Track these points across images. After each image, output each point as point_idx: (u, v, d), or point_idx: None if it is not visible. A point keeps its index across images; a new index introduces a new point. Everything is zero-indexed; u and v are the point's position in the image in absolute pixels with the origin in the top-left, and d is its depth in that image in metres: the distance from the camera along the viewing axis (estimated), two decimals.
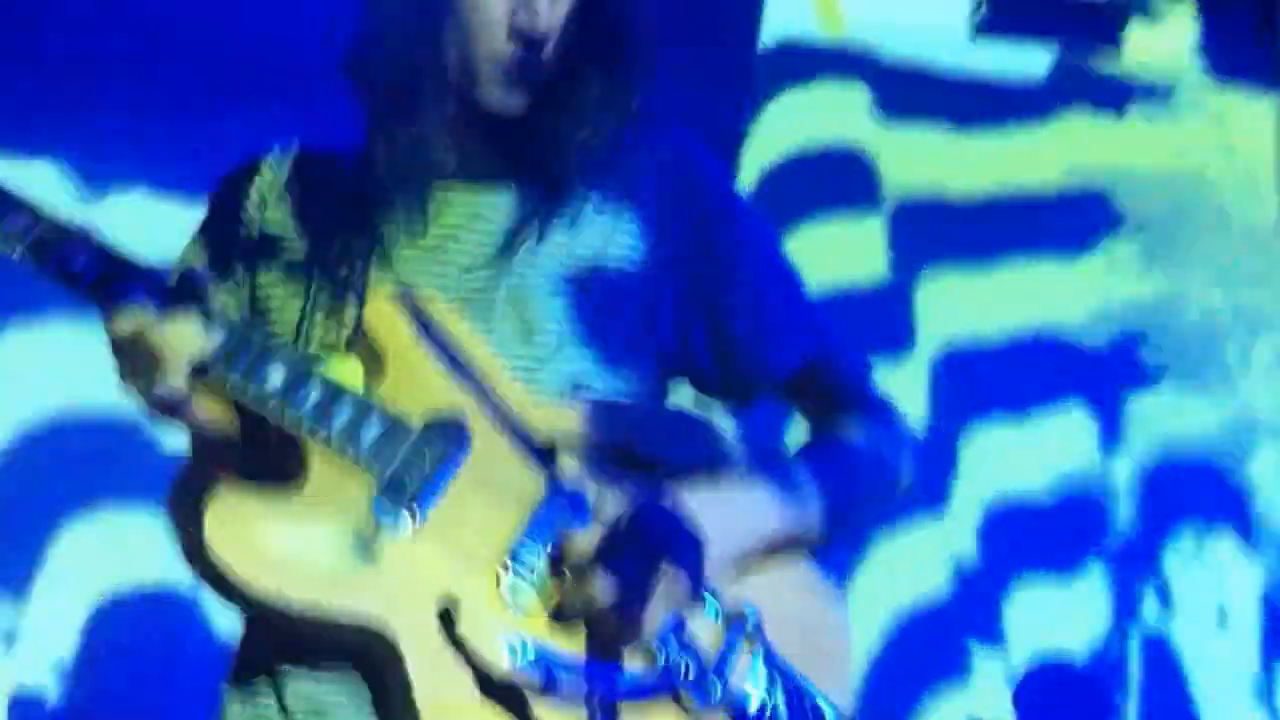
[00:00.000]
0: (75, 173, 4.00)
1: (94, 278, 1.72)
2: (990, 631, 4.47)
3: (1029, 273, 4.70)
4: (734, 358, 1.97)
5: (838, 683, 1.81)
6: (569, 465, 1.75)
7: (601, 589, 1.65)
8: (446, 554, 1.71)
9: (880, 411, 2.01)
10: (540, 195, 1.91)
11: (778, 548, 1.84)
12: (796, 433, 2.10)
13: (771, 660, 1.74)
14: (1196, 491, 4.68)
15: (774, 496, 1.83)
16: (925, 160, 4.68)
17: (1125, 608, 4.57)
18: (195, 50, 4.00)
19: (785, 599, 1.82)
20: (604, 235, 1.91)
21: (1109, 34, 4.84)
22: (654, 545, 1.66)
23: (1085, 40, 4.81)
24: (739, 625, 1.75)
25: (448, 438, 1.75)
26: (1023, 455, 4.62)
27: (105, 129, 3.99)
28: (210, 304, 1.72)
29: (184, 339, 1.68)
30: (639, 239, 1.93)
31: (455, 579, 1.70)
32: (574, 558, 1.67)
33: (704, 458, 1.83)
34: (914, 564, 4.46)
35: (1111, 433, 4.68)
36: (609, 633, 1.67)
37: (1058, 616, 4.49)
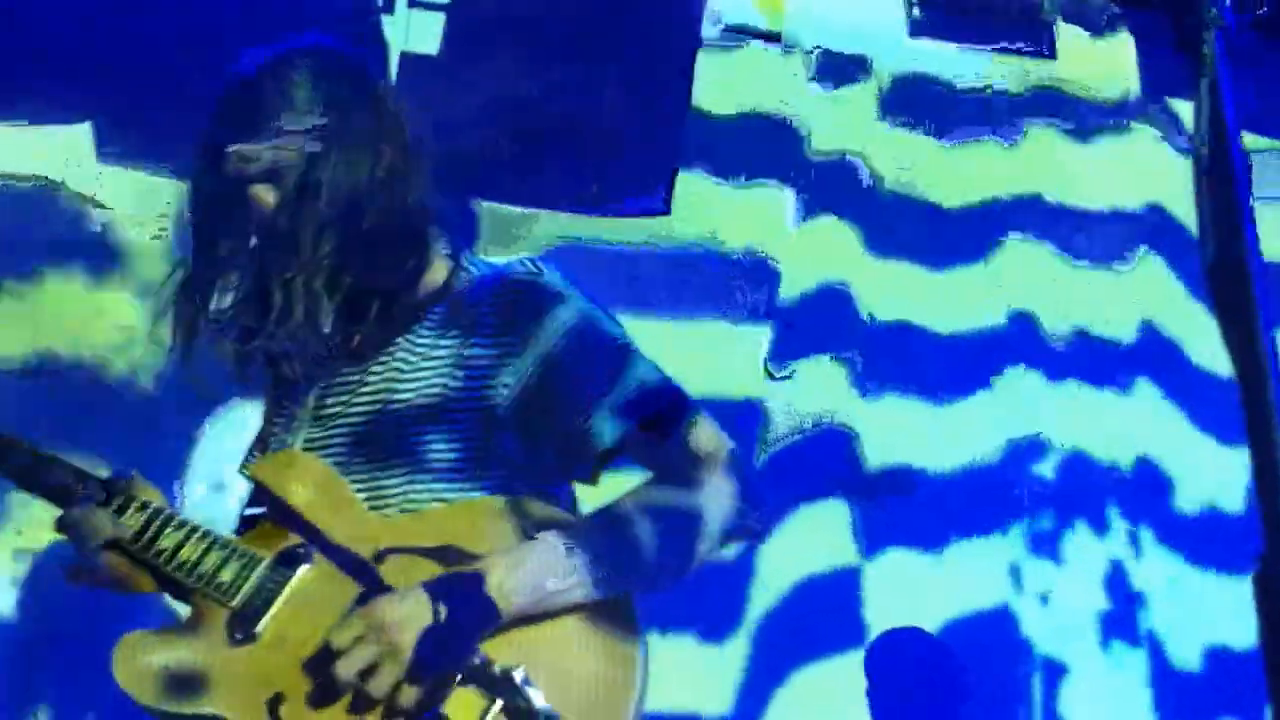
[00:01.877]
0: None
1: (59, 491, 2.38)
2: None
3: None
4: (560, 441, 2.24)
5: None
6: (390, 574, 2.14)
7: (343, 667, 2.05)
8: (279, 658, 2.15)
9: (692, 472, 2.22)
10: (338, 359, 2.31)
11: (542, 608, 2.10)
12: None
13: (536, 711, 2.03)
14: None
15: (514, 568, 2.10)
16: None
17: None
18: None
19: (568, 656, 2.11)
20: (423, 372, 2.25)
21: (1044, 42, 4.93)
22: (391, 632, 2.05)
23: (1020, 48, 4.91)
24: (504, 685, 2.05)
25: (285, 567, 2.21)
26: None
27: None
28: (127, 498, 2.32)
29: (97, 529, 2.30)
30: (461, 367, 2.24)
31: (283, 677, 2.12)
32: (334, 642, 2.07)
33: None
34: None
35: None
36: (363, 707, 2.06)
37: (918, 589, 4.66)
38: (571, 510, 2.29)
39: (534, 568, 2.10)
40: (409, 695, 2.04)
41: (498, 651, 2.07)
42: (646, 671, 2.11)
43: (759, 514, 2.26)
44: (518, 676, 2.04)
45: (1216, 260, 1.29)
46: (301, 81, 2.25)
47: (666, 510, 2.19)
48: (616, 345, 2.29)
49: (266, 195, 2.24)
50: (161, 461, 3.72)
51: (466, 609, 2.06)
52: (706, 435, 2.25)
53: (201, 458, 3.92)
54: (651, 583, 2.19)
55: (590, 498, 2.30)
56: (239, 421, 3.40)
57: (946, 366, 4.79)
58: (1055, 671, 4.76)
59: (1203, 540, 4.80)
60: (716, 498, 2.20)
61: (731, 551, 2.30)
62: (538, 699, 2.04)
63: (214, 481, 3.80)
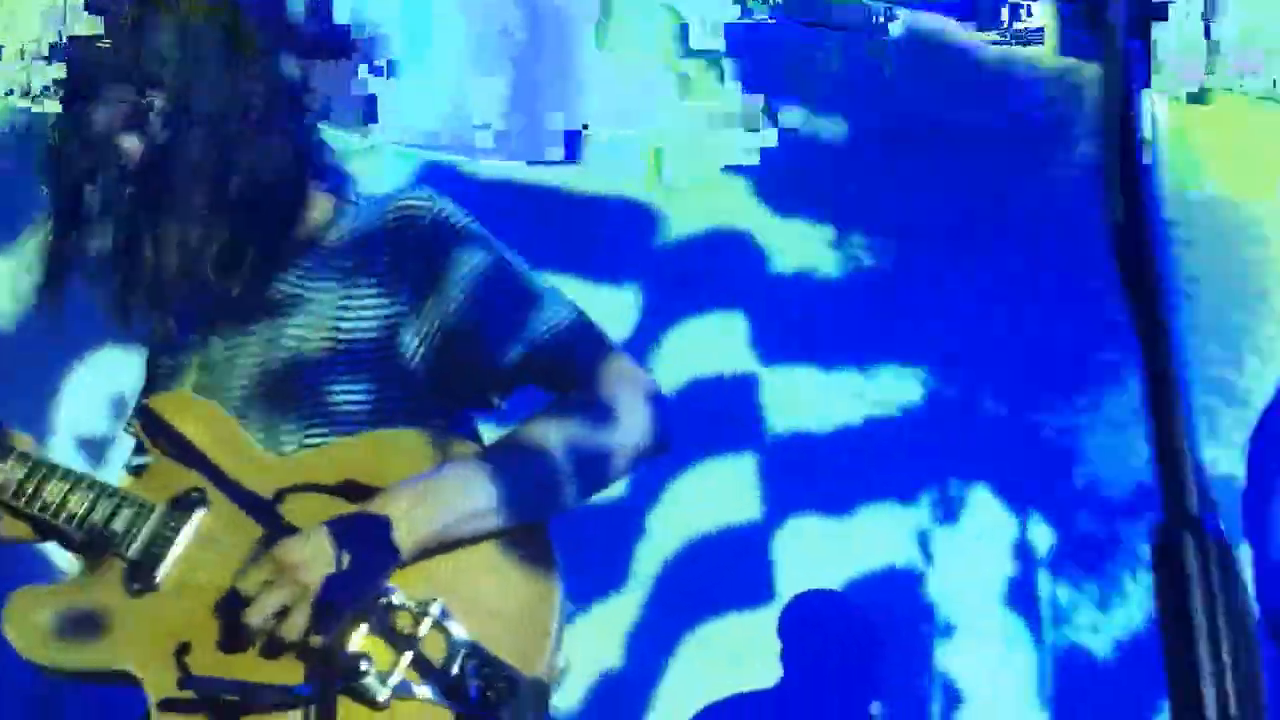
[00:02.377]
0: None
1: None
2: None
3: None
4: (464, 363, 2.21)
5: (533, 655, 2.04)
6: (292, 512, 2.10)
7: (254, 612, 2.01)
8: (182, 606, 2.10)
9: (601, 397, 2.20)
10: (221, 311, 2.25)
11: (448, 539, 2.07)
12: None
13: (455, 644, 2.01)
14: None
15: (418, 500, 2.06)
16: None
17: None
18: None
19: (486, 589, 2.08)
20: (312, 315, 2.21)
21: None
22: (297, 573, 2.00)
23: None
24: (421, 619, 2.02)
25: (181, 513, 2.15)
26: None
27: None
28: (3, 449, 2.21)
29: None
30: (356, 310, 2.20)
31: (189, 626, 2.07)
32: (242, 588, 2.04)
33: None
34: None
35: None
36: (276, 651, 2.02)
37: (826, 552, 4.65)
38: (475, 438, 2.25)
39: (440, 498, 2.06)
40: (319, 636, 2.00)
41: (413, 585, 2.04)
42: (565, 606, 2.08)
43: (666, 438, 2.23)
44: (435, 610, 2.01)
45: (1120, 227, 1.22)
46: (165, 24, 2.15)
47: (574, 433, 2.16)
48: (524, 288, 2.24)
49: (130, 144, 2.16)
50: (21, 412, 3.60)
51: (372, 545, 2.02)
52: (619, 365, 2.22)
53: (66, 410, 3.80)
54: (561, 507, 2.15)
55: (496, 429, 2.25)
56: (105, 373, 3.31)
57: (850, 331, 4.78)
58: (950, 634, 4.80)
59: (1103, 511, 4.82)
60: (626, 420, 2.17)
61: (628, 497, 2.21)
62: (457, 631, 2.00)
63: (81, 435, 3.69)
